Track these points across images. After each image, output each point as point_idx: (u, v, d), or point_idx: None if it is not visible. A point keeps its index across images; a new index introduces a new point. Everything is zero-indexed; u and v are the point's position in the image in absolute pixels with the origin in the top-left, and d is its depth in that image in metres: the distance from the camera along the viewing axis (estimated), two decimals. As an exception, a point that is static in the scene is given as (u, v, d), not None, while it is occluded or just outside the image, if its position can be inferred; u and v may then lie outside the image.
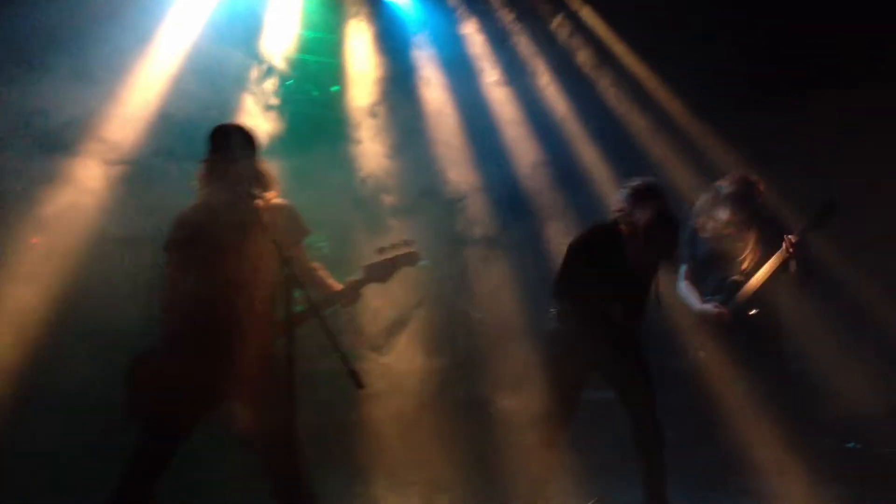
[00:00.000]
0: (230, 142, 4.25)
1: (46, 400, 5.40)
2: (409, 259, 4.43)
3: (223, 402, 4.17)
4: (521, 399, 5.13)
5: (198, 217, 4.24)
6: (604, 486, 5.99)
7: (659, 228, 4.81)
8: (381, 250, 4.37)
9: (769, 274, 5.43)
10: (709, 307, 5.58)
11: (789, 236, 5.37)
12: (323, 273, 4.41)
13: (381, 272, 4.36)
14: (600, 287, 4.78)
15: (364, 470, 5.87)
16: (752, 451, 5.50)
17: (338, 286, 4.32)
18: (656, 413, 4.91)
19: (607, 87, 7.51)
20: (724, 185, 5.70)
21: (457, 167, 7.04)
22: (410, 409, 6.05)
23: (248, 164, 4.25)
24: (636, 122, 7.66)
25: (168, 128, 5.62)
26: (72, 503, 4.99)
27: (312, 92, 7.65)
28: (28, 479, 5.12)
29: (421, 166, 6.83)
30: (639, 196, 4.87)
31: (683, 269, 5.87)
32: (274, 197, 4.21)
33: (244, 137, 4.30)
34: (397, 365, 6.48)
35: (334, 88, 7.69)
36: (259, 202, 4.12)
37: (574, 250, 4.97)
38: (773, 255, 5.43)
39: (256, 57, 6.62)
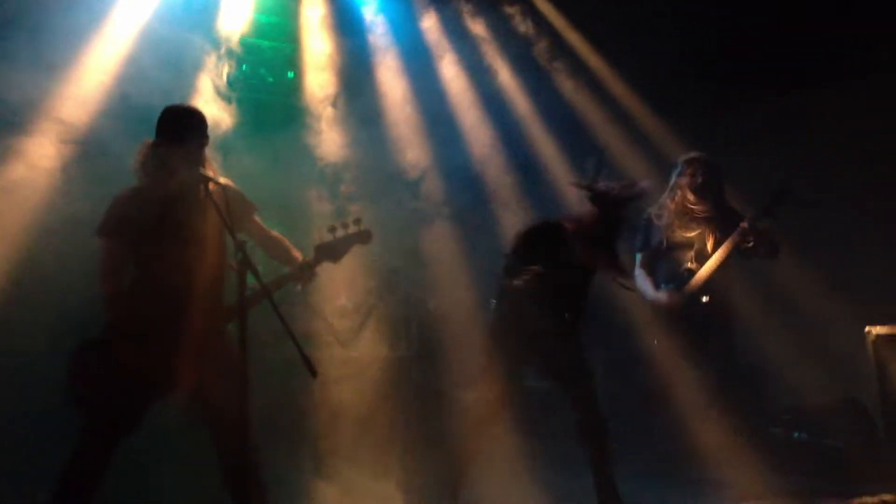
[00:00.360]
0: (178, 125, 4.18)
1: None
2: (361, 237, 4.46)
3: (172, 390, 4.10)
4: (476, 387, 5.11)
5: (142, 200, 4.16)
6: (553, 475, 6.04)
7: (603, 229, 4.84)
8: (332, 229, 4.38)
9: (721, 261, 5.50)
10: (662, 294, 5.64)
11: (742, 224, 5.45)
12: (286, 243, 4.43)
13: (333, 251, 4.37)
14: (541, 281, 4.80)
15: (320, 455, 5.83)
16: (701, 440, 5.56)
17: (299, 256, 4.35)
18: (597, 403, 4.96)
19: (564, 79, 7.52)
20: (678, 173, 5.75)
21: (414, 152, 7.01)
22: (367, 395, 6.02)
23: (194, 147, 4.19)
24: (593, 112, 7.70)
25: (123, 111, 5.52)
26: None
27: (267, 78, 7.56)
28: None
29: (379, 152, 6.78)
30: (591, 197, 4.89)
31: (638, 258, 5.92)
32: (217, 178, 4.15)
33: (191, 120, 4.24)
34: (355, 353, 6.46)
35: (290, 75, 7.61)
36: (206, 184, 4.09)
37: (517, 244, 4.99)
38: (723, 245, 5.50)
39: (212, 41, 6.51)
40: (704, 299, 5.54)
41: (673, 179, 5.78)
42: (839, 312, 6.69)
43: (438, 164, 7.04)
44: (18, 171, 5.31)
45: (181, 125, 4.19)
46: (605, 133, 7.69)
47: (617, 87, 7.61)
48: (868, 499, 5.14)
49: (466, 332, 5.34)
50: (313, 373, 3.65)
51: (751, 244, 5.45)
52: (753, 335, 6.72)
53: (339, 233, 4.44)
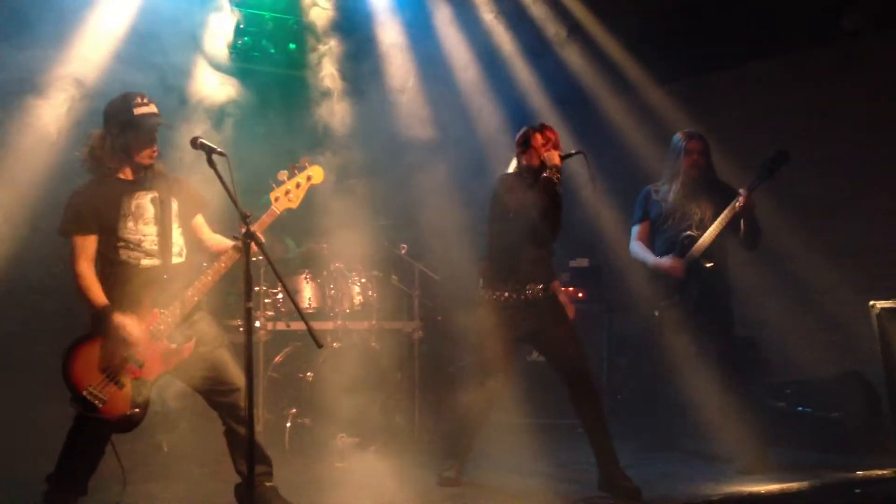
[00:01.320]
0: (128, 114, 4.16)
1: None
2: (315, 175, 4.38)
3: (160, 375, 4.14)
4: (478, 361, 5.12)
5: (99, 192, 4.18)
6: (552, 444, 6.06)
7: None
8: (283, 174, 4.30)
9: (722, 227, 5.52)
10: (664, 259, 5.65)
11: (741, 190, 5.47)
12: (217, 238, 4.41)
13: (288, 194, 4.30)
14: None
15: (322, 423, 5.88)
16: (703, 413, 5.57)
17: (228, 244, 4.26)
18: (589, 374, 4.99)
19: (570, 53, 7.48)
20: (679, 149, 5.75)
21: (418, 123, 6.97)
22: (373, 367, 6.04)
23: (146, 136, 4.19)
24: (597, 85, 7.67)
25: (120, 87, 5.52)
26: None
27: (269, 49, 7.51)
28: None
29: (380, 124, 6.74)
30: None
31: (635, 230, 5.93)
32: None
33: (149, 101, 4.22)
34: (354, 325, 6.46)
35: (291, 46, 7.56)
36: (165, 177, 4.21)
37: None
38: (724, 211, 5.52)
39: (214, 10, 6.45)
40: (708, 265, 5.56)
41: (673, 155, 5.79)
42: (843, 286, 6.69)
43: (445, 134, 7.00)
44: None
45: (131, 114, 4.14)
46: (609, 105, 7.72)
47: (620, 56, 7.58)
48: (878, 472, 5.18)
49: (471, 304, 5.33)
50: (319, 344, 3.69)
51: (749, 211, 5.47)
52: (757, 309, 6.73)
53: (290, 175, 4.32)
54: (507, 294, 5.01)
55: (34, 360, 5.73)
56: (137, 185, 4.24)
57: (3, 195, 5.59)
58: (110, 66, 5.89)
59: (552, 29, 7.34)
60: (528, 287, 5.00)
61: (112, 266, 4.16)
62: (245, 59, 7.24)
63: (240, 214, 3.76)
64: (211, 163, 3.88)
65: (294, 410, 5.97)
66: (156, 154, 4.24)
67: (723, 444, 5.56)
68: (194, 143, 3.90)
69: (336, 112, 6.55)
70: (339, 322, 6.38)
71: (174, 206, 4.29)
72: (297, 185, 4.33)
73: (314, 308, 6.43)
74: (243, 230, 3.77)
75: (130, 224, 4.17)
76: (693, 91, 7.76)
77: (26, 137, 5.62)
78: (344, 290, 6.46)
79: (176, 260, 4.25)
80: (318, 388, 5.93)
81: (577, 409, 4.95)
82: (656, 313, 5.81)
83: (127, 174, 4.24)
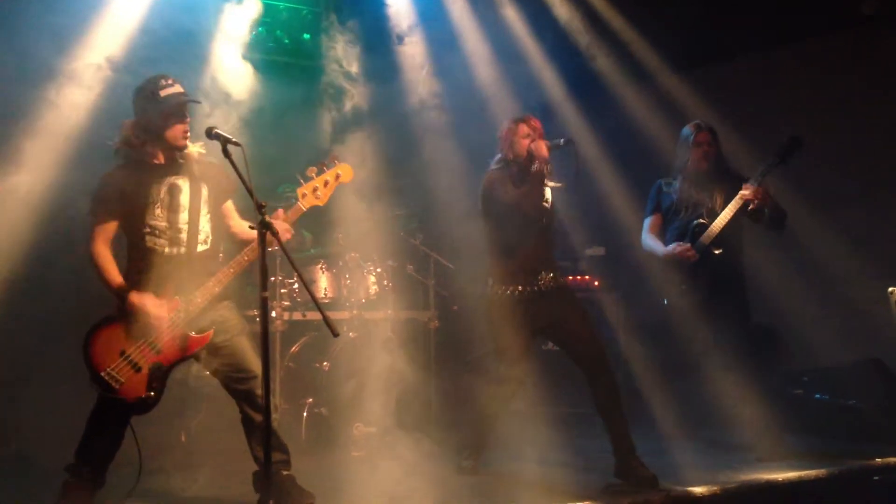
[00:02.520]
0: (165, 87, 4.18)
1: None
2: (344, 174, 4.40)
3: (178, 361, 4.19)
4: (495, 351, 5.12)
5: (131, 177, 4.21)
6: (568, 433, 6.07)
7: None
8: (312, 171, 4.34)
9: (732, 214, 5.53)
10: (674, 247, 5.64)
11: (748, 182, 5.47)
12: (245, 225, 4.43)
13: (316, 192, 4.33)
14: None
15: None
16: (719, 401, 5.55)
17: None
18: (606, 361, 4.97)
19: (586, 41, 7.45)
20: (689, 140, 5.74)
21: (433, 111, 6.96)
22: (383, 357, 6.06)
23: (177, 121, 4.21)
24: (612, 73, 7.64)
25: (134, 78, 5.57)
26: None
27: (283, 40, 7.51)
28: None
29: (399, 113, 6.73)
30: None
31: (647, 222, 5.92)
32: (203, 154, 4.18)
33: (175, 82, 4.23)
34: (369, 315, 6.47)
35: (306, 37, 7.56)
36: (198, 161, 4.23)
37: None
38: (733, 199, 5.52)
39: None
40: (717, 252, 5.55)
41: (683, 147, 5.78)
42: (861, 273, 6.65)
43: (459, 122, 6.97)
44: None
45: (157, 96, 4.16)
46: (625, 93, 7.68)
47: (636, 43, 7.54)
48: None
49: (483, 300, 5.32)
50: (335, 333, 3.69)
51: (758, 200, 5.46)
52: (773, 295, 6.70)
53: (318, 173, 4.38)
54: (520, 288, 5.00)
55: (53, 345, 5.81)
56: (169, 170, 4.27)
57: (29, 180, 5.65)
58: (127, 56, 5.94)
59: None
60: (539, 278, 4.99)
61: (138, 251, 4.21)
62: (260, 49, 7.24)
63: (255, 205, 3.77)
64: (226, 153, 3.90)
65: (310, 400, 5.99)
66: (188, 133, 4.26)
67: (739, 431, 5.55)
68: (209, 133, 3.92)
69: (351, 102, 6.53)
70: (354, 312, 6.39)
71: (204, 191, 4.32)
72: (326, 183, 4.36)
73: (330, 298, 6.44)
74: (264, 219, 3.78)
75: (158, 211, 4.21)
76: (707, 80, 7.70)
77: (53, 123, 5.70)
78: (359, 280, 6.47)
79: (201, 248, 4.27)
80: (335, 378, 5.96)
81: (595, 396, 4.94)
82: (665, 301, 5.81)
83: (160, 158, 4.27)
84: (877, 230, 6.76)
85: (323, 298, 6.38)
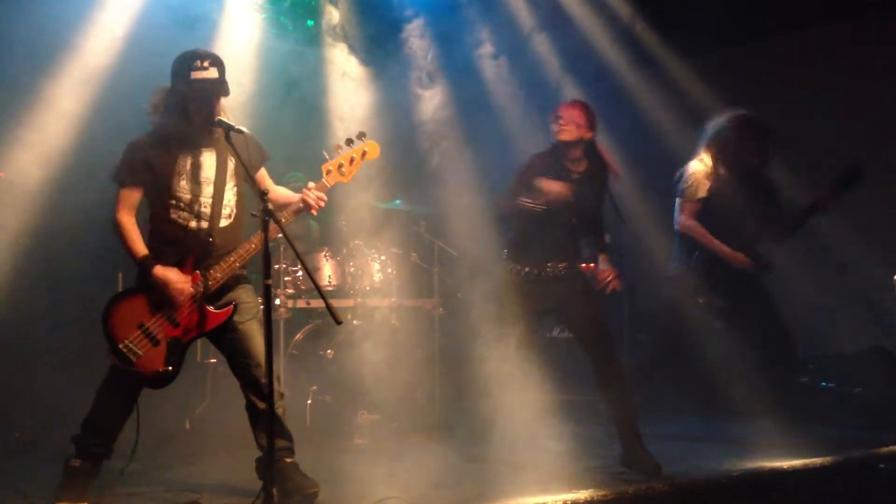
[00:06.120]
0: (193, 69, 4.11)
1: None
2: (368, 151, 4.36)
3: (195, 336, 4.17)
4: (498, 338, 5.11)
5: (158, 145, 4.17)
6: (573, 420, 6.05)
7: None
8: (338, 148, 4.30)
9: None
10: (739, 255, 5.57)
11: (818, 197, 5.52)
12: (281, 191, 4.46)
13: (341, 168, 4.29)
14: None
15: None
16: (724, 389, 5.54)
17: (294, 196, 4.29)
18: (614, 350, 4.99)
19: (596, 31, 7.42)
20: (732, 130, 5.59)
21: (437, 100, 6.92)
22: (387, 345, 6.05)
23: (210, 94, 4.12)
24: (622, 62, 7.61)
25: (138, 66, 5.56)
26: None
27: (287, 26, 7.48)
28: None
29: (401, 101, 6.69)
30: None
31: (686, 207, 5.73)
32: (234, 125, 4.11)
33: (211, 65, 4.15)
34: (373, 303, 6.46)
35: (309, 23, 7.53)
36: (225, 131, 4.04)
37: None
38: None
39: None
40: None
41: (727, 135, 5.58)
42: (867, 260, 6.62)
43: (464, 110, 6.94)
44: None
45: (188, 77, 4.09)
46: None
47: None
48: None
49: (492, 278, 5.32)
50: (338, 321, 3.68)
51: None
52: (778, 283, 6.67)
53: (344, 149, 4.33)
54: (528, 269, 5.02)
55: (59, 333, 5.83)
56: (196, 141, 4.21)
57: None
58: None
59: None
60: (548, 264, 5.00)
61: (162, 223, 4.18)
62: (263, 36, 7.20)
63: (258, 192, 3.76)
64: (229, 140, 3.89)
65: (314, 387, 6.00)
66: (215, 115, 4.12)
67: (746, 420, 5.55)
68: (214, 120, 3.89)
69: (354, 89, 6.51)
70: (358, 299, 6.39)
71: (230, 164, 4.25)
72: (352, 161, 4.32)
73: (334, 286, 6.44)
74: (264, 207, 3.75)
75: (184, 183, 4.17)
76: (716, 66, 7.66)
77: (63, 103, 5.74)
78: (364, 268, 6.46)
79: (224, 223, 4.22)
80: (339, 366, 5.95)
81: (602, 384, 4.95)
82: (700, 301, 5.69)
83: (187, 129, 4.17)
84: (883, 218, 6.72)
85: (327, 286, 6.37)
